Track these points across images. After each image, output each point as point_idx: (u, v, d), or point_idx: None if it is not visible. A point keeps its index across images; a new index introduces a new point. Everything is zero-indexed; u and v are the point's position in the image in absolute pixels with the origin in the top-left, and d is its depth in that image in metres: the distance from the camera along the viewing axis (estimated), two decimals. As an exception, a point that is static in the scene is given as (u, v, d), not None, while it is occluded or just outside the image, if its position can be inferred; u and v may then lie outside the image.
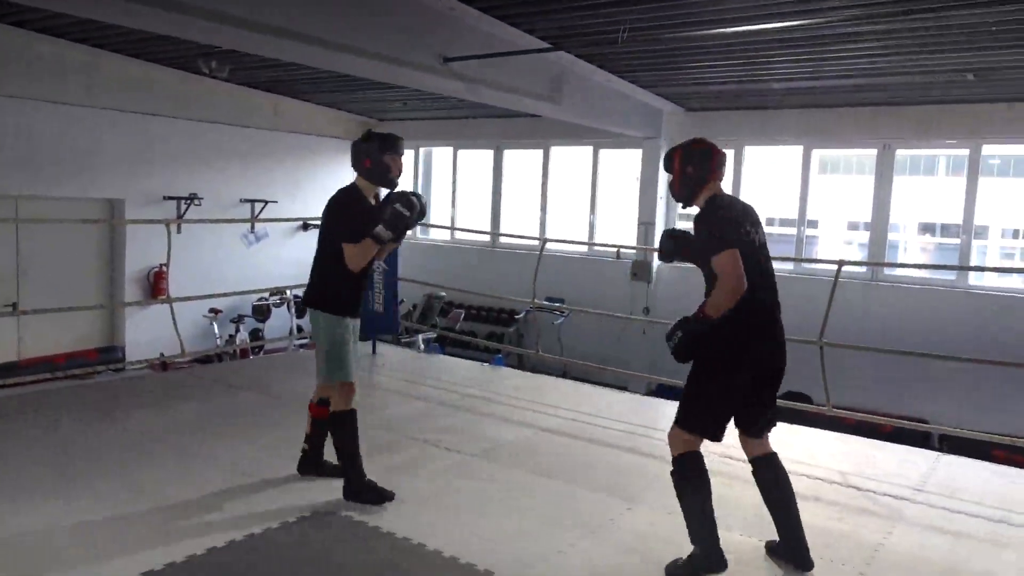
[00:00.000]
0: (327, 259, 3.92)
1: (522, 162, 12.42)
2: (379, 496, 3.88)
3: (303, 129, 12.33)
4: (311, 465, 4.17)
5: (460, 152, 12.93)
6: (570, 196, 11.89)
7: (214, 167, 11.13)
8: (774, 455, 3.34)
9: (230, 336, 10.69)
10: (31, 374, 8.61)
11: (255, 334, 11.03)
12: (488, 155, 12.57)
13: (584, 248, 11.31)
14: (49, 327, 9.21)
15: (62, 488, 3.85)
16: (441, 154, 13.46)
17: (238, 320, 10.76)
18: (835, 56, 7.42)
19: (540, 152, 11.99)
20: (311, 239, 12.66)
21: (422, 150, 13.49)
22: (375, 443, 4.76)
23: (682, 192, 3.30)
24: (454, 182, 12.92)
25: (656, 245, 3.62)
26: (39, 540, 3.37)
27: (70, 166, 9.44)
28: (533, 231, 11.85)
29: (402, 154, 3.95)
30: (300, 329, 11.31)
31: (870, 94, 8.91)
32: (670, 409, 3.37)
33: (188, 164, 10.76)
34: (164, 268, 10.08)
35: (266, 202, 11.56)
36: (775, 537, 3.39)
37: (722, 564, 3.18)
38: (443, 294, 10.47)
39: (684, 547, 3.25)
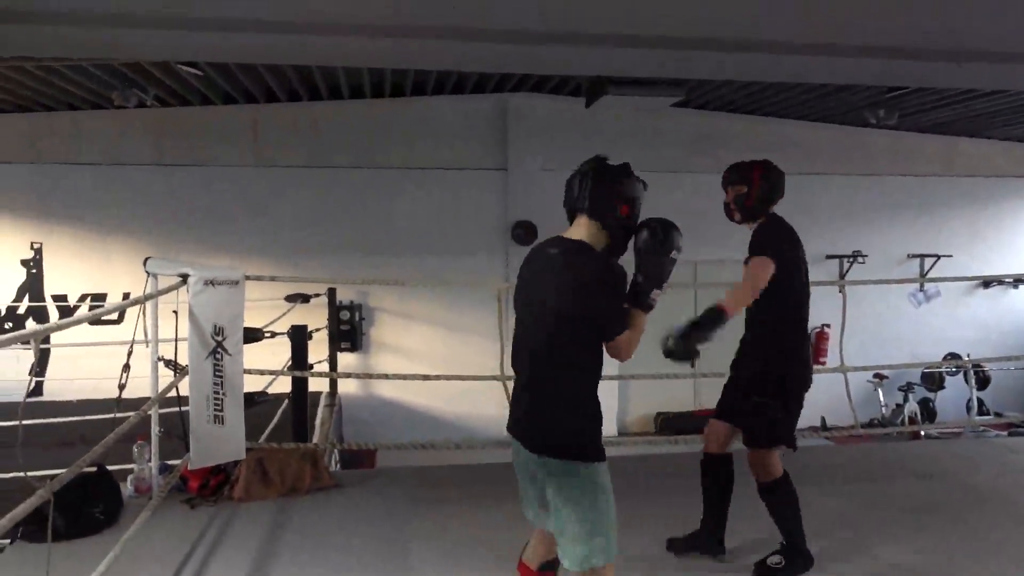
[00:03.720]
0: (571, 367, 2.46)
1: None
2: None
3: (981, 171, 10.74)
4: None
5: None
6: None
7: (876, 222, 10.50)
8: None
9: (897, 405, 9.77)
10: (699, 424, 9.34)
11: (925, 404, 9.86)
12: None
13: None
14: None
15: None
16: None
17: (907, 388, 9.76)
18: None
19: None
20: (994, 298, 11.04)
21: None
22: None
23: (753, 208, 3.39)
24: None
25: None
26: None
27: (718, 229, 10.01)
28: None
29: None
30: (981, 404, 9.71)
31: None
32: None
33: (851, 220, 10.38)
34: (826, 329, 9.84)
35: (938, 256, 10.34)
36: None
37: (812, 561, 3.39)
38: None
39: None
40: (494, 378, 4.88)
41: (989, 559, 3.69)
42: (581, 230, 2.53)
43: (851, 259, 10.23)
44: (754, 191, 3.37)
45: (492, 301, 5.26)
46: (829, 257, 10.22)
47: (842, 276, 10.05)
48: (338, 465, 6.95)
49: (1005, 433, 8.54)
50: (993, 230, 10.77)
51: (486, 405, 8.75)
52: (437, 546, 3.85)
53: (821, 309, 10.65)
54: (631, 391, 9.88)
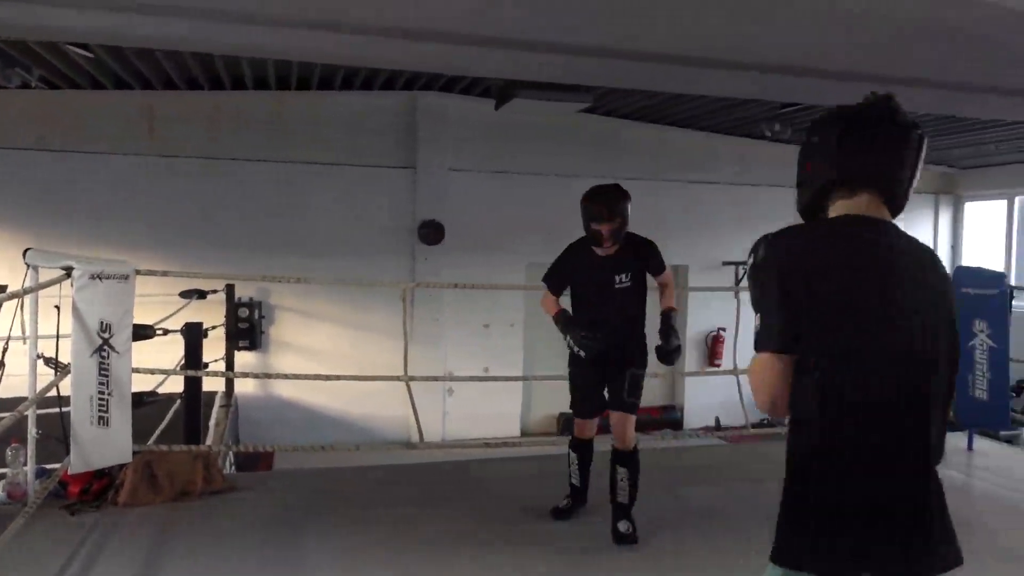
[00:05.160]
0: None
1: None
2: None
3: (866, 186, 11.41)
4: None
5: (1073, 198, 10.42)
6: None
7: (769, 231, 10.97)
8: None
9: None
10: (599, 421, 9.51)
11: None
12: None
13: None
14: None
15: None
16: (1043, 202, 11.05)
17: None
18: None
19: None
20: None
21: (1018, 200, 11.26)
22: None
23: (624, 234, 3.77)
24: (1064, 235, 10.43)
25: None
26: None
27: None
28: None
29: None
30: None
31: None
32: None
33: (747, 229, 10.81)
34: (722, 332, 10.23)
35: (825, 265, 10.92)
36: None
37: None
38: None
39: None
40: (397, 378, 4.83)
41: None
42: (873, 210, 1.73)
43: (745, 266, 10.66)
44: (627, 221, 3.76)
45: (397, 300, 5.20)
46: (726, 264, 10.61)
47: (737, 282, 10.46)
48: (233, 467, 6.73)
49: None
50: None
51: (389, 406, 8.63)
52: (334, 550, 3.77)
53: (717, 313, 11.22)
54: (534, 393, 9.97)
